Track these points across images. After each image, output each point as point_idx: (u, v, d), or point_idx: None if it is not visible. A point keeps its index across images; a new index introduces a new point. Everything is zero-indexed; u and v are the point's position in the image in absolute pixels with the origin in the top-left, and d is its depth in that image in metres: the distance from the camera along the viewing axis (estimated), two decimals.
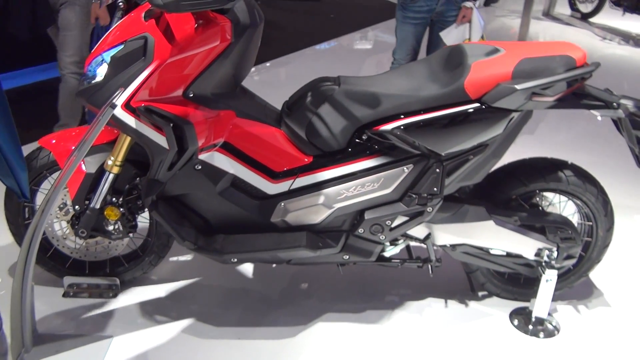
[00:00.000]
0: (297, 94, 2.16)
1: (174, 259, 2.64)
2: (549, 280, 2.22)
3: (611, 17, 7.81)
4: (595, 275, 2.60)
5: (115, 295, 2.37)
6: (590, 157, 3.72)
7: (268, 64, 5.80)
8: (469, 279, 2.47)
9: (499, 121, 1.98)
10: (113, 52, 1.87)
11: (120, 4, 1.91)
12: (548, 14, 8.28)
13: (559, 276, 2.30)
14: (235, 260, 2.10)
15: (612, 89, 2.14)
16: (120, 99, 1.83)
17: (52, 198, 1.83)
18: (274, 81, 5.52)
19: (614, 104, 2.04)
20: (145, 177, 2.04)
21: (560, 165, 2.24)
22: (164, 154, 1.94)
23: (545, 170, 2.22)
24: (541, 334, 2.27)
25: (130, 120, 1.89)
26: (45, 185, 2.26)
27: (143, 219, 2.34)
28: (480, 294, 2.49)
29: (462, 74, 1.95)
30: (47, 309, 2.27)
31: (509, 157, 2.20)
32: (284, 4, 8.04)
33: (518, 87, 1.90)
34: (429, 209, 2.08)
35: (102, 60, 1.90)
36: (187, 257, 2.66)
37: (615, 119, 2.10)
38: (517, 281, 2.45)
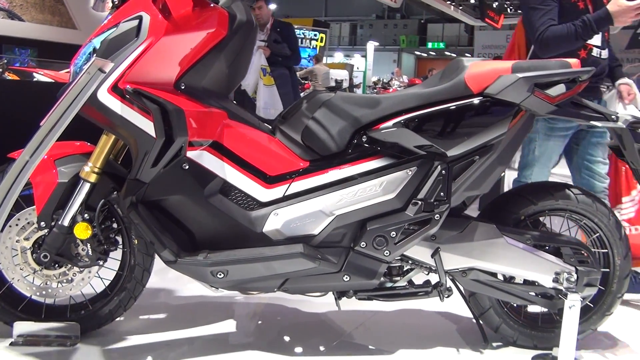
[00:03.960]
0: (291, 106, 2.08)
1: (145, 317, 2.30)
2: (572, 306, 1.98)
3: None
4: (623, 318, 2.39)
5: (73, 345, 2.01)
6: None
7: None
8: (480, 327, 2.19)
9: (503, 118, 1.91)
10: (104, 35, 1.81)
11: (116, 0, 1.89)
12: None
13: (580, 315, 2.06)
14: (222, 276, 1.83)
15: None
16: (108, 79, 1.73)
17: (14, 188, 1.60)
18: None
19: (613, 116, 2.01)
20: (125, 183, 1.85)
21: (567, 185, 2.15)
22: (149, 145, 1.78)
23: (552, 188, 2.12)
24: None
25: (115, 104, 1.76)
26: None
27: (112, 258, 2.09)
28: (494, 344, 2.20)
29: (462, 72, 1.93)
30: None
31: None
32: None
33: (520, 75, 1.88)
34: (436, 217, 1.91)
35: (93, 48, 1.83)
36: (161, 315, 2.33)
37: (617, 131, 2.05)
38: (535, 322, 2.19)
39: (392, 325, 2.36)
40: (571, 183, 2.18)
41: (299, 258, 1.82)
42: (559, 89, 1.94)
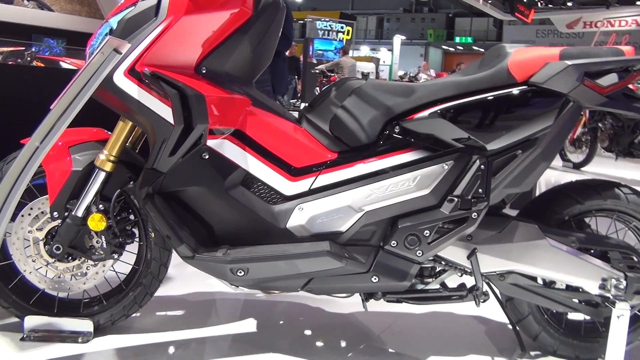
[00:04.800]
0: (319, 93, 1.95)
1: (162, 313, 2.20)
2: (621, 315, 1.82)
3: (604, 165, 7.94)
4: None
5: (86, 342, 1.91)
6: None
7: None
8: (517, 334, 2.04)
9: (549, 109, 1.76)
10: (121, 15, 1.69)
11: None
12: None
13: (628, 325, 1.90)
14: (242, 274, 1.71)
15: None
16: (126, 60, 1.62)
17: (25, 172, 1.51)
18: None
19: None
20: (142, 172, 1.74)
21: (616, 184, 1.97)
22: (167, 132, 1.67)
23: (600, 187, 1.95)
24: None
25: (132, 88, 1.65)
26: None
27: (129, 251, 1.99)
28: (532, 353, 2.05)
29: (505, 58, 1.78)
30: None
31: None
32: None
33: (569, 62, 1.72)
34: (473, 215, 1.76)
35: (111, 29, 1.72)
36: (179, 312, 2.23)
37: None
38: (577, 331, 2.03)
39: (421, 329, 2.22)
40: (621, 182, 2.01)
41: (324, 257, 1.70)
42: (611, 78, 1.78)
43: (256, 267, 1.71)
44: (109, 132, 1.89)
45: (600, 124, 7.52)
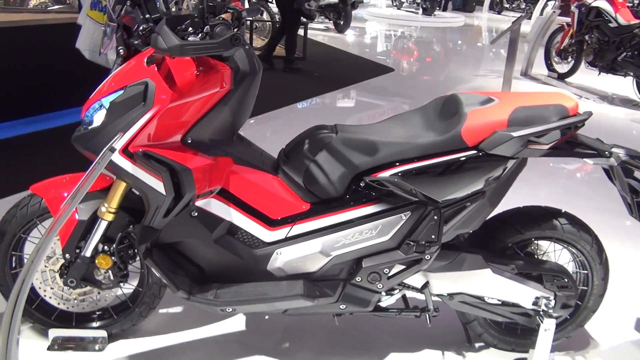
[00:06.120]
0: (294, 142, 2.17)
1: (164, 310, 2.56)
2: (547, 329, 2.20)
3: (587, 78, 8.08)
4: (593, 325, 2.58)
5: (102, 349, 2.29)
6: (582, 206, 3.73)
7: (251, 121, 5.81)
8: (466, 330, 2.43)
9: (495, 168, 2.00)
10: (112, 97, 1.87)
11: (121, 50, 1.93)
12: (526, 74, 8.52)
13: (556, 326, 2.27)
14: (231, 310, 2.05)
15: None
16: (119, 143, 1.82)
17: (44, 247, 1.79)
18: (257, 137, 5.52)
19: (606, 152, 2.07)
20: (140, 225, 2.01)
21: (555, 213, 2.26)
22: (160, 200, 1.91)
23: (540, 219, 2.23)
24: None
25: (127, 165, 1.87)
26: (35, 233, 2.20)
27: (134, 269, 2.29)
28: (477, 345, 2.45)
29: (459, 122, 1.98)
30: None
31: (504, 205, 2.20)
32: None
33: (514, 134, 1.93)
34: (426, 257, 2.07)
35: (101, 105, 1.90)
36: (178, 309, 2.59)
37: (607, 167, 2.13)
38: (514, 331, 2.42)
39: (385, 330, 2.56)
40: (560, 209, 2.29)
41: (298, 299, 2.02)
42: (554, 135, 1.99)
43: (241, 307, 2.04)
44: (110, 176, 2.11)
45: (587, 37, 7.55)
